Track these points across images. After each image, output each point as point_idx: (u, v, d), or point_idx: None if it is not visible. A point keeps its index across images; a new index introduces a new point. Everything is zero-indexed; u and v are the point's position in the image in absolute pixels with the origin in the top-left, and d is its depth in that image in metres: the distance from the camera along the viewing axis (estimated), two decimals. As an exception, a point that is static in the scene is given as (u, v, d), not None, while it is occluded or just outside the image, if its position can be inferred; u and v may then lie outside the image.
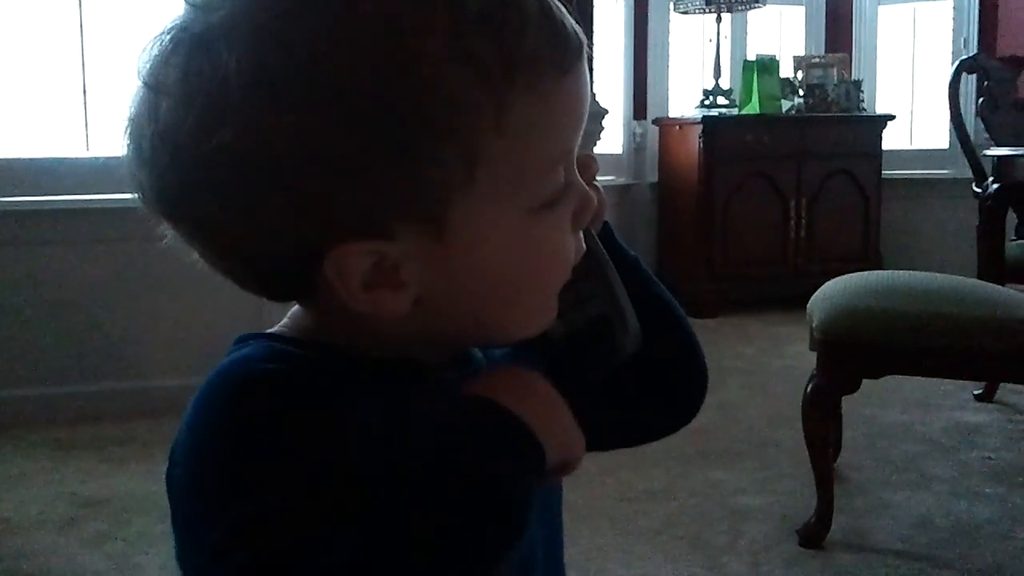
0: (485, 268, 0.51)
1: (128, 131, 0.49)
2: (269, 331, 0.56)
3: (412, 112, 0.46)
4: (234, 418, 0.48)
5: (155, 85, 0.48)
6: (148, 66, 0.48)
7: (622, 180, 4.65)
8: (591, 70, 0.53)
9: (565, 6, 0.51)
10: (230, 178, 0.47)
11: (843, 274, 2.23)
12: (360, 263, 0.49)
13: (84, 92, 2.92)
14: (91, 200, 2.53)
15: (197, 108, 0.46)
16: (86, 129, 2.93)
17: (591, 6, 3.20)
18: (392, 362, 0.54)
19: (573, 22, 0.51)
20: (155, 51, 0.48)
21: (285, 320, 0.57)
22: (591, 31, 3.12)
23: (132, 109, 0.49)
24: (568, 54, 0.50)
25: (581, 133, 0.54)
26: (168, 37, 0.48)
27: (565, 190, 0.53)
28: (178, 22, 0.48)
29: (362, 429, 0.49)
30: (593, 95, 3.12)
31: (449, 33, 0.46)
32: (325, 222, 0.47)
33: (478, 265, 0.51)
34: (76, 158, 2.76)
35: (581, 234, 0.57)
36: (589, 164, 0.57)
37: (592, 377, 0.61)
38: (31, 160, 2.77)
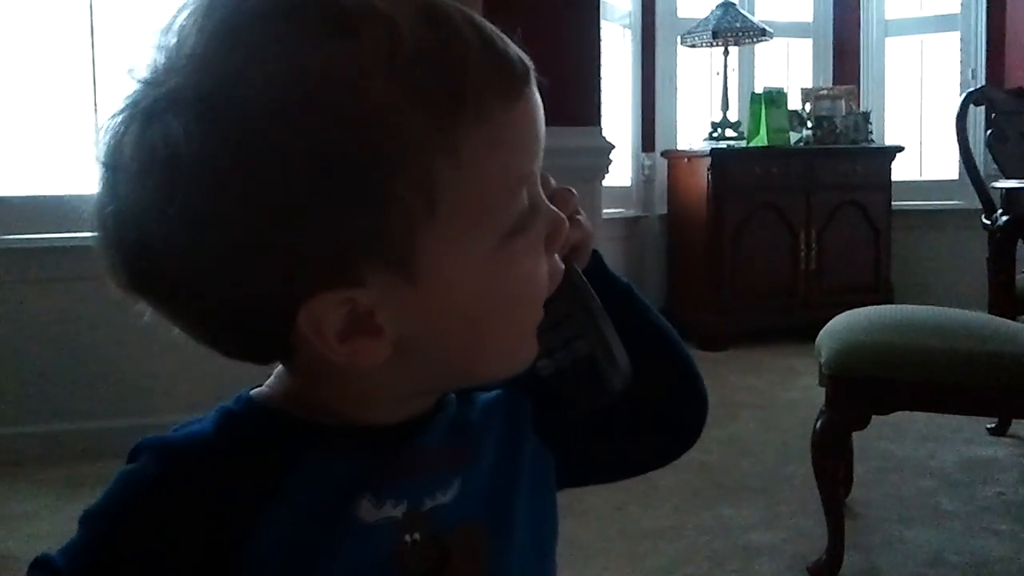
0: (460, 302, 0.51)
1: (94, 216, 0.50)
2: (255, 391, 0.57)
3: (362, 156, 0.46)
4: (127, 476, 0.53)
5: (112, 164, 0.49)
6: (104, 147, 0.49)
7: (632, 212, 4.66)
8: (543, 95, 0.53)
9: (508, 35, 0.52)
10: (193, 243, 0.47)
11: (854, 305, 2.22)
12: (333, 313, 0.49)
13: (96, 130, 2.95)
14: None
15: (153, 179, 0.47)
16: (98, 166, 2.96)
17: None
18: (362, 430, 0.55)
19: (517, 49, 0.52)
20: (110, 132, 0.49)
21: (272, 379, 0.57)
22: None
23: (95, 194, 0.50)
24: (514, 81, 0.50)
25: (540, 156, 0.54)
26: (120, 117, 0.48)
27: (532, 214, 0.53)
28: (129, 100, 0.48)
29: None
30: (599, 129, 3.15)
31: (390, 73, 0.46)
32: (292, 276, 0.48)
33: (453, 300, 0.51)
34: (84, 195, 2.77)
35: (558, 257, 0.56)
36: (544, 182, 0.57)
37: (582, 414, 0.62)
38: (41, 197, 2.79)
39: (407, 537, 0.54)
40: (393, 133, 0.46)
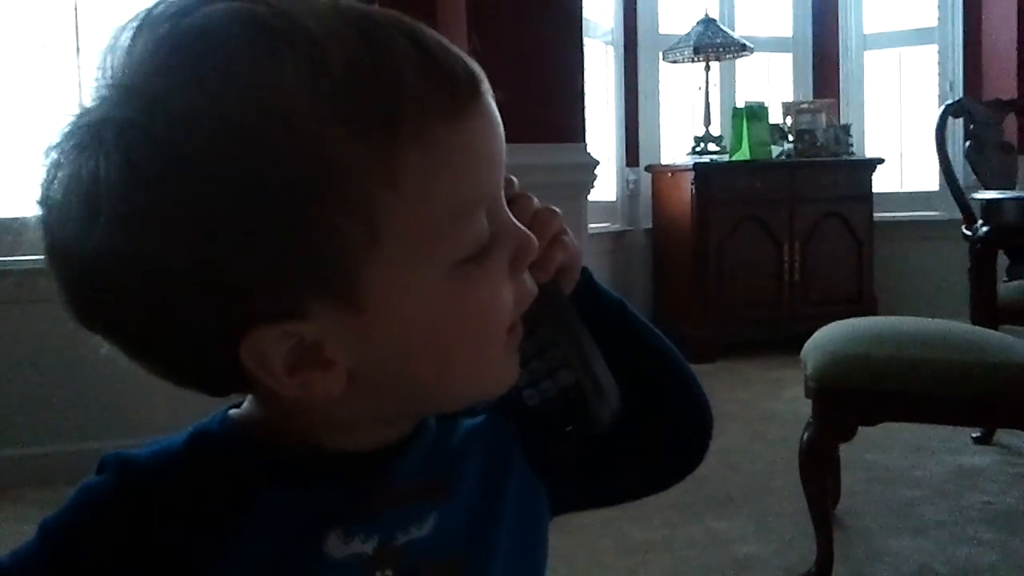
0: (413, 330, 0.49)
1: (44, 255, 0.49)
2: (234, 411, 0.56)
3: (292, 185, 0.44)
4: (86, 487, 0.53)
5: (43, 200, 0.47)
6: (41, 184, 0.47)
7: (616, 227, 4.69)
8: (503, 109, 0.51)
9: (462, 44, 0.49)
10: (118, 279, 0.46)
11: (837, 316, 2.24)
12: (277, 347, 0.47)
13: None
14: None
15: (75, 212, 0.45)
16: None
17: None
18: (333, 460, 0.53)
19: (465, 60, 0.49)
20: (42, 170, 0.47)
21: (248, 401, 0.55)
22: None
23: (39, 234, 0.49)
24: (457, 97, 0.47)
25: (499, 176, 0.51)
26: (54, 152, 0.47)
27: (493, 240, 0.50)
28: (63, 134, 0.47)
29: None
30: (584, 145, 3.16)
31: (315, 99, 0.44)
32: (226, 310, 0.46)
33: (405, 329, 0.48)
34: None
35: (530, 278, 0.53)
36: (525, 202, 0.55)
37: (571, 444, 0.59)
38: (17, 219, 2.79)
39: (378, 573, 0.52)
40: (322, 161, 0.44)
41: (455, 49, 0.49)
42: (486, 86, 0.50)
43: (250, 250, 0.44)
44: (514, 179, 0.56)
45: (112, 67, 0.46)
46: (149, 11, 0.47)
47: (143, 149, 0.44)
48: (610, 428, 0.57)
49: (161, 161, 0.44)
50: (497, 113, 0.50)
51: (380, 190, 0.45)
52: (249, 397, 0.55)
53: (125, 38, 0.47)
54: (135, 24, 0.47)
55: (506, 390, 0.55)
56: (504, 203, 0.52)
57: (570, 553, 2.10)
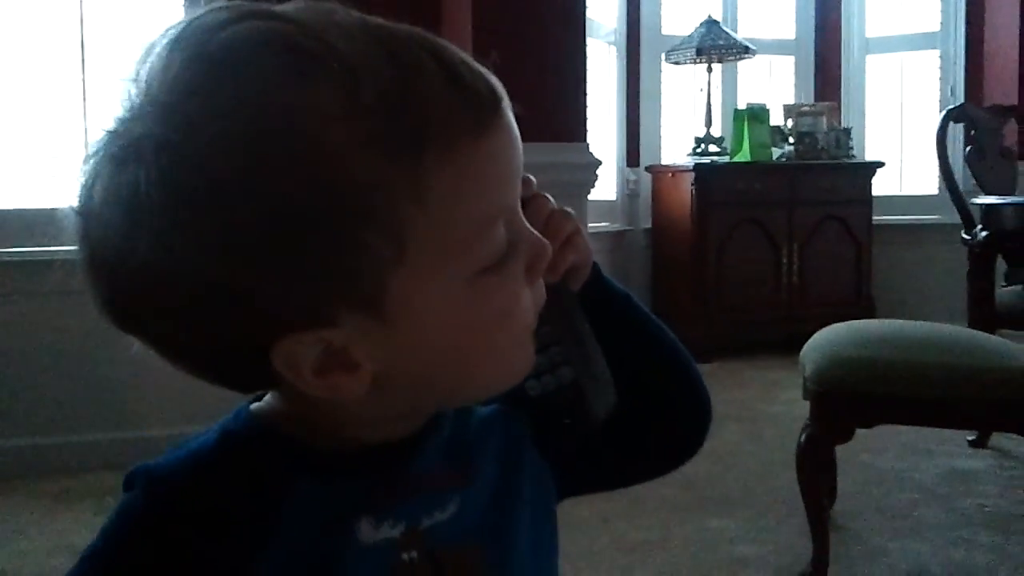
0: (435, 337, 0.51)
1: (78, 262, 0.51)
2: (255, 406, 0.57)
3: (325, 202, 0.46)
4: (119, 510, 0.54)
5: (83, 210, 0.49)
6: (78, 195, 0.49)
7: (616, 226, 4.70)
8: (520, 120, 0.52)
9: (482, 62, 0.50)
10: (158, 289, 0.48)
11: (836, 319, 2.26)
12: (307, 352, 0.49)
13: (86, 142, 2.95)
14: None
15: (117, 225, 0.47)
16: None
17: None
18: (358, 452, 0.55)
19: (487, 78, 0.50)
20: (81, 179, 0.49)
21: (269, 395, 0.57)
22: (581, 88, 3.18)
23: (75, 241, 0.50)
24: (481, 115, 0.49)
25: (518, 187, 0.53)
26: (91, 163, 0.49)
27: (511, 249, 0.52)
28: (100, 146, 0.48)
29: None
30: (586, 145, 3.18)
31: (347, 118, 0.46)
32: (260, 320, 0.48)
33: (427, 335, 0.51)
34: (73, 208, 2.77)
35: (542, 281, 0.56)
36: (541, 203, 0.57)
37: (569, 437, 0.62)
38: (32, 211, 2.80)
39: (404, 555, 0.55)
40: (352, 180, 0.46)
41: (477, 66, 0.50)
42: (507, 102, 0.51)
43: (282, 265, 0.46)
44: (532, 179, 0.58)
45: (147, 80, 0.48)
46: (183, 28, 0.48)
47: (180, 169, 0.45)
48: (604, 423, 0.60)
49: (197, 181, 0.45)
50: (516, 127, 0.52)
51: (407, 206, 0.47)
52: (271, 392, 0.57)
53: (160, 53, 0.48)
54: (169, 40, 0.48)
55: (522, 377, 0.57)
56: (520, 211, 0.54)
57: (565, 551, 2.08)
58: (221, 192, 0.45)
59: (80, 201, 0.49)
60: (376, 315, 0.49)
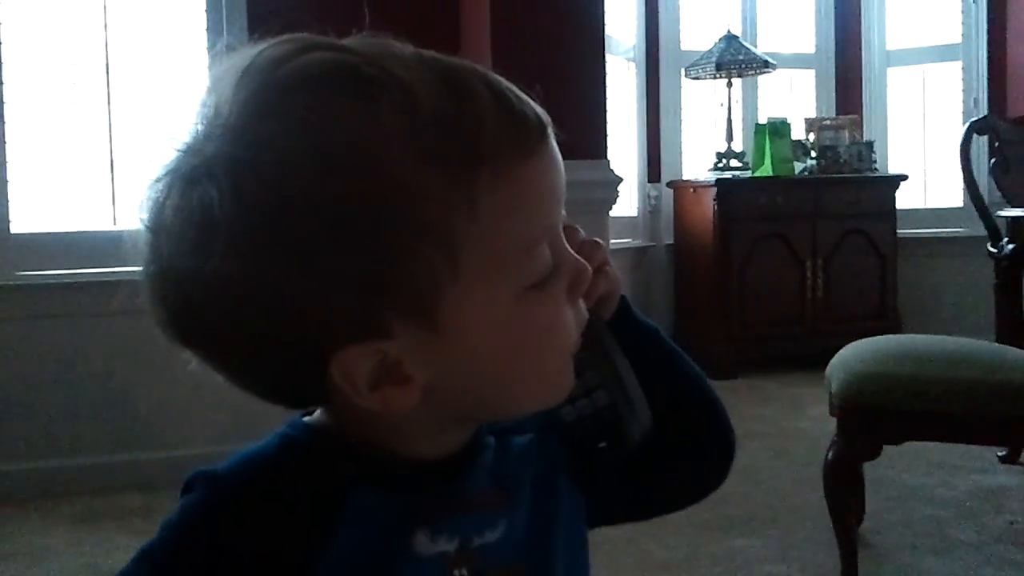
0: (483, 350, 0.53)
1: (142, 275, 0.53)
2: (309, 419, 0.59)
3: (384, 217, 0.48)
4: (180, 508, 0.55)
5: (154, 227, 0.52)
6: (147, 212, 0.52)
7: (638, 242, 4.69)
8: (560, 146, 0.55)
9: (527, 93, 0.54)
10: (228, 300, 0.50)
11: (861, 334, 2.24)
12: (364, 364, 0.51)
13: (111, 166, 2.99)
14: (116, 272, 2.56)
15: (191, 240, 0.50)
16: (113, 203, 2.98)
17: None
18: (410, 464, 0.57)
19: (534, 106, 0.54)
20: (151, 196, 0.52)
21: (318, 412, 0.59)
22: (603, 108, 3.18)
23: (143, 257, 0.53)
24: (530, 139, 0.52)
25: (561, 208, 0.56)
26: (162, 183, 0.51)
27: (555, 268, 0.55)
28: (170, 166, 0.51)
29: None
30: (607, 162, 3.18)
31: (406, 137, 0.49)
32: (322, 331, 0.50)
33: (476, 348, 0.53)
34: (100, 231, 2.80)
35: (582, 303, 0.58)
36: (572, 234, 0.59)
37: (604, 461, 0.63)
38: (57, 234, 2.83)
39: (456, 572, 0.57)
40: (413, 195, 0.49)
41: (525, 96, 0.54)
42: (551, 129, 0.55)
43: (347, 275, 0.49)
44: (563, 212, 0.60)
45: (216, 106, 0.51)
46: (253, 59, 0.52)
47: (252, 185, 0.49)
48: (640, 446, 0.61)
49: (269, 196, 0.48)
50: (559, 154, 0.55)
51: (462, 223, 0.50)
52: (320, 408, 0.59)
53: (229, 82, 0.51)
54: (238, 70, 0.51)
55: (561, 398, 0.59)
56: (562, 234, 0.57)
57: (592, 570, 2.09)
58: (289, 206, 0.48)
59: (151, 219, 0.52)
60: (430, 327, 0.51)
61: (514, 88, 0.53)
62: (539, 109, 0.54)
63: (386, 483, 0.56)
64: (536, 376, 0.56)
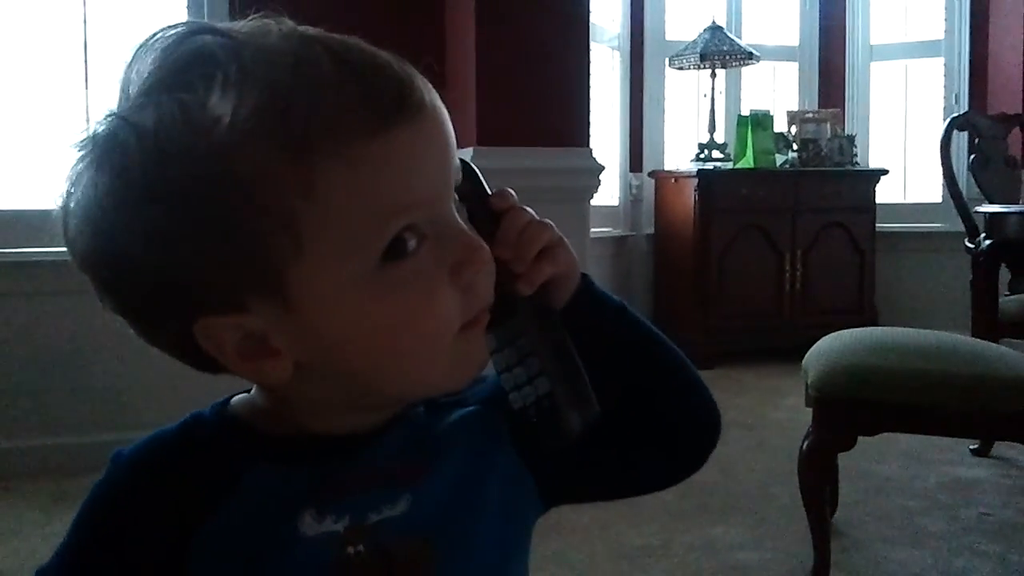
0: (344, 328, 0.53)
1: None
2: (236, 398, 0.62)
3: (219, 196, 0.50)
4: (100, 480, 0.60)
5: (63, 207, 0.55)
6: (62, 194, 0.56)
7: (619, 231, 4.69)
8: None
9: (415, 65, 0.53)
10: (103, 273, 0.55)
11: (838, 326, 2.25)
12: (228, 336, 0.54)
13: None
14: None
15: (78, 221, 0.54)
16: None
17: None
18: (310, 440, 0.58)
19: (400, 79, 0.52)
20: (65, 180, 0.55)
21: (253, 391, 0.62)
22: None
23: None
24: (379, 111, 0.51)
25: (438, 180, 0.54)
26: (76, 164, 0.55)
27: (422, 243, 0.53)
28: (79, 147, 0.55)
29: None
30: (589, 150, 3.17)
31: (234, 118, 0.50)
32: (180, 302, 0.53)
33: (336, 326, 0.53)
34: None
35: (485, 284, 0.56)
36: (517, 215, 0.59)
37: (548, 449, 0.61)
38: (31, 211, 2.79)
39: (350, 549, 0.56)
40: (244, 176, 0.50)
41: (393, 68, 0.53)
42: (420, 98, 0.53)
43: (191, 253, 0.51)
44: (510, 192, 0.60)
45: (125, 88, 0.55)
46: (146, 40, 0.55)
47: (120, 170, 0.52)
48: (592, 432, 0.59)
49: (127, 180, 0.52)
50: (438, 122, 0.54)
51: (298, 201, 0.50)
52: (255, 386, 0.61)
53: (132, 60, 0.55)
54: (134, 51, 0.55)
55: (466, 384, 0.60)
56: (451, 209, 0.56)
57: (565, 556, 2.10)
58: (140, 189, 0.51)
59: (63, 200, 0.55)
60: (282, 303, 0.52)
61: (378, 59, 0.52)
62: (407, 78, 0.53)
63: (281, 459, 0.57)
64: (413, 356, 0.55)
